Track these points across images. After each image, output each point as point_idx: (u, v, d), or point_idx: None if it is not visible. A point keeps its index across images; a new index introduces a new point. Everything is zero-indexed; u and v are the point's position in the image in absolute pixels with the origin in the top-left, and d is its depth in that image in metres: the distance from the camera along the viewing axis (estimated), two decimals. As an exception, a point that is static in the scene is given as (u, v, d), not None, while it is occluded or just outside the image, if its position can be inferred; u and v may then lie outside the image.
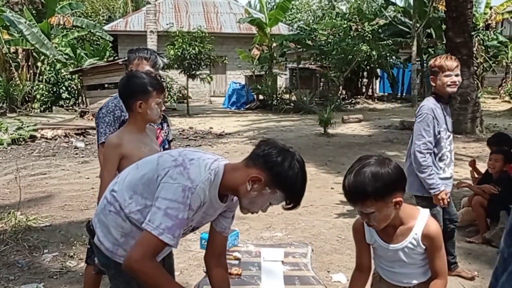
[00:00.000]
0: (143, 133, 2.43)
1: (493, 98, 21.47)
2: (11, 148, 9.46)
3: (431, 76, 3.23)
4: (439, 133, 3.15)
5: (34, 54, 17.66)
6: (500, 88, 22.14)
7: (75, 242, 4.30)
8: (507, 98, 19.85)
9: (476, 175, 4.96)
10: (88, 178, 6.93)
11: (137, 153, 2.33)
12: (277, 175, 1.62)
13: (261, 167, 1.64)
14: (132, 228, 1.72)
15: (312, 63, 21.34)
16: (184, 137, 11.38)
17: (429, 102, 3.22)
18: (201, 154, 1.80)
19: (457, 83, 3.17)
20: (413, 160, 3.13)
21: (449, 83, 3.13)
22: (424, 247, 1.72)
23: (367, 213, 1.65)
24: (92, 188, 6.26)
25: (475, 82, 12.53)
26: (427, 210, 1.78)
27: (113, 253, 1.76)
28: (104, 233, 1.76)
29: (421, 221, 1.72)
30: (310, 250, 2.77)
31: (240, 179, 1.66)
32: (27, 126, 10.67)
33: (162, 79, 18.74)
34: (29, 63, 17.67)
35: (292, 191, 1.66)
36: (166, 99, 19.47)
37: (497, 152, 4.46)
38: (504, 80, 21.99)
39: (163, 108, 2.49)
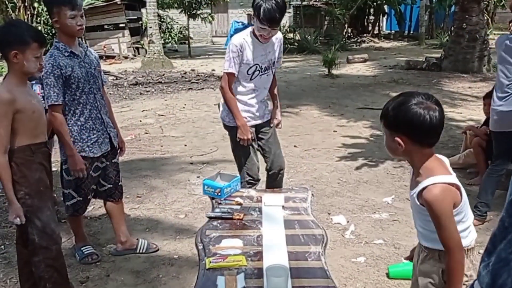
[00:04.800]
0: (26, 85, 2.36)
1: (503, 35, 20.85)
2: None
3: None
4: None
5: (29, -6, 17.10)
6: (510, 24, 21.44)
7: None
8: (517, 35, 19.27)
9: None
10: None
11: (30, 106, 2.28)
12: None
13: None
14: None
15: (317, 0, 20.60)
16: (186, 80, 11.27)
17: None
18: None
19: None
20: None
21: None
22: (419, 203, 1.65)
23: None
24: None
25: (485, 19, 12.10)
26: (442, 177, 1.61)
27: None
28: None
29: (428, 182, 1.60)
30: (310, 195, 2.81)
31: None
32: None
33: (163, 20, 18.27)
34: (26, 4, 17.15)
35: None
36: (167, 40, 19.11)
37: (489, 96, 4.41)
38: (516, 16, 21.26)
39: (43, 63, 2.36)
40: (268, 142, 3.30)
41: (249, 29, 3.04)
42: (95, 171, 2.93)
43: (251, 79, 3.11)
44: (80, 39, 2.89)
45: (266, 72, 3.14)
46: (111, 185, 3.06)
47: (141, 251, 3.19)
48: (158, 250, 3.23)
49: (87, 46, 2.95)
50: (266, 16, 2.78)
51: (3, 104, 2.21)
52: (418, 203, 1.65)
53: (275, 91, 3.38)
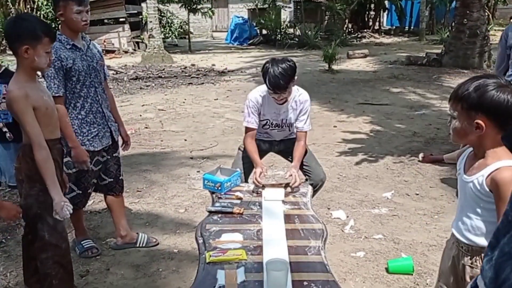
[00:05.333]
0: (36, 81, 2.29)
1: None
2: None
3: None
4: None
5: (29, -12, 17.04)
6: (511, 20, 21.39)
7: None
8: (518, 31, 19.23)
9: None
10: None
11: (42, 102, 2.23)
12: None
13: None
14: None
15: (318, -5, 20.52)
16: (187, 74, 11.25)
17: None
18: None
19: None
20: None
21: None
22: (487, 190, 1.55)
23: (451, 115, 1.61)
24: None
25: (486, 14, 12.07)
26: None
27: None
28: None
29: (502, 164, 1.53)
30: (310, 190, 2.82)
31: None
32: (28, 65, 10.53)
33: (163, 14, 18.18)
34: (25, -3, 17.10)
35: None
36: (167, 35, 19.06)
37: None
38: (517, 12, 21.17)
39: (53, 58, 2.32)
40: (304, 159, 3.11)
41: (264, 86, 2.96)
42: (95, 165, 2.93)
43: (264, 129, 3.10)
44: (83, 33, 2.87)
45: (278, 128, 3.08)
46: (112, 179, 3.06)
47: (141, 245, 3.20)
48: (158, 244, 3.24)
49: (90, 40, 2.94)
50: (271, 83, 2.75)
51: (21, 101, 2.14)
52: (487, 188, 1.56)
53: (298, 154, 3.01)
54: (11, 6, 16.65)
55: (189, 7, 16.53)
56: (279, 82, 2.74)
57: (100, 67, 2.90)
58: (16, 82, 2.20)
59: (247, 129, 3.05)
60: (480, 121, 1.52)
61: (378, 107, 7.47)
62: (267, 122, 3.04)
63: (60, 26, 2.80)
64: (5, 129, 2.95)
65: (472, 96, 1.52)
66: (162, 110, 7.55)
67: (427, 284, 2.76)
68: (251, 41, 19.01)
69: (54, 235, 2.34)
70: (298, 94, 3.02)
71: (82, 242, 3.12)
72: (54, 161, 2.32)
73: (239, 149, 3.23)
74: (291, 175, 2.77)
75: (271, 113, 3.01)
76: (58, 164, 2.39)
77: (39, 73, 2.59)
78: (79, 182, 2.90)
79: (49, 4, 17.02)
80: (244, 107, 3.07)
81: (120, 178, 3.12)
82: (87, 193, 3.01)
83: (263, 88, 2.99)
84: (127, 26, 16.34)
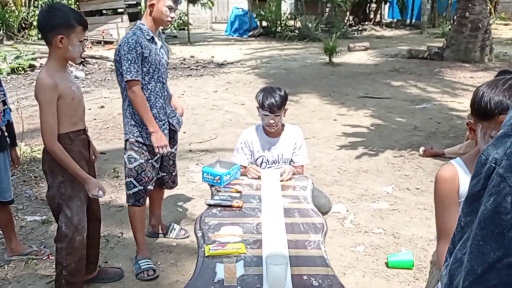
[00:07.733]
0: (66, 71, 2.35)
1: (506, 25, 20.69)
2: (11, 77, 9.33)
3: None
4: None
5: (27, -23, 16.87)
6: (513, 14, 21.27)
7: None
8: (520, 25, 19.12)
9: None
10: (90, 109, 6.91)
11: (69, 92, 2.27)
12: None
13: None
14: None
15: (318, -13, 20.36)
16: (186, 66, 11.18)
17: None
18: None
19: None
20: None
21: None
22: None
23: None
24: (94, 119, 6.27)
25: (488, 8, 11.98)
26: None
27: None
28: None
29: None
30: (310, 183, 2.79)
31: None
32: (26, 55, 10.45)
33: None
34: (24, -12, 16.93)
35: None
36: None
37: None
38: (519, 5, 21.06)
39: (86, 47, 2.37)
40: None
41: (259, 123, 3.01)
42: (157, 161, 2.89)
43: (262, 167, 3.04)
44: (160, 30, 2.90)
45: (275, 165, 3.02)
46: (164, 173, 3.06)
47: (171, 236, 3.22)
48: (188, 237, 3.21)
49: (164, 37, 2.97)
50: (267, 102, 2.79)
51: (48, 90, 2.19)
52: None
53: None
54: (9, -4, 16.50)
55: (188, -2, 16.40)
56: (273, 101, 2.79)
57: (167, 65, 2.93)
58: (47, 70, 2.25)
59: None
60: None
61: (379, 100, 7.43)
62: (262, 159, 2.99)
63: (143, 16, 2.84)
64: (6, 133, 2.87)
65: None
66: (161, 102, 7.50)
67: (426, 279, 2.75)
68: (251, 33, 18.87)
69: (70, 227, 2.37)
70: (289, 126, 3.04)
71: (140, 262, 2.86)
72: (78, 153, 2.36)
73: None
74: (284, 171, 2.80)
75: (264, 149, 3.00)
76: (83, 155, 2.42)
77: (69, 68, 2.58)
78: (140, 177, 2.81)
79: (48, -6, 16.87)
80: (237, 142, 3.07)
81: (174, 173, 3.12)
82: (147, 189, 2.89)
83: (255, 126, 3.05)
84: (125, 17, 16.21)
